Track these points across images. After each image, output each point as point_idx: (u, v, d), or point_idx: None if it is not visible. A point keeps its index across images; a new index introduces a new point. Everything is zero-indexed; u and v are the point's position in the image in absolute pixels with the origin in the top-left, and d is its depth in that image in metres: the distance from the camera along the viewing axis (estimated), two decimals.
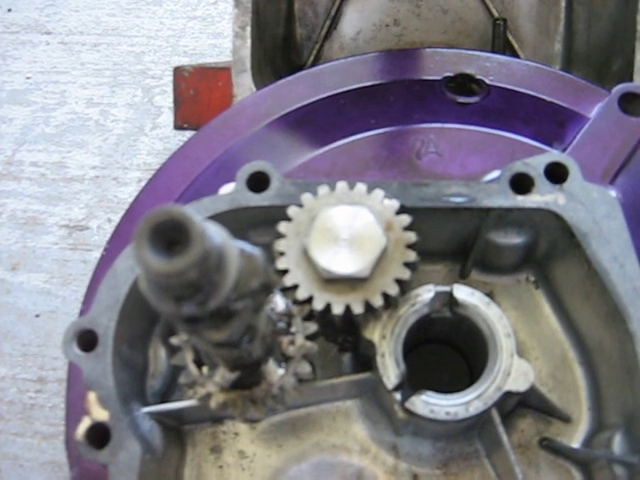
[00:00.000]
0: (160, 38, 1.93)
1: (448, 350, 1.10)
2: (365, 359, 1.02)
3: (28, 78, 1.92)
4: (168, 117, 1.77)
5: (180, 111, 1.38)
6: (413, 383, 0.94)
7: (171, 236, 0.63)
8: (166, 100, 1.82)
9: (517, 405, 1.04)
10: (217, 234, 0.67)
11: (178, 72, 1.39)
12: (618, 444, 0.95)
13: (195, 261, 0.61)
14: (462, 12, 1.50)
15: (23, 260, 1.72)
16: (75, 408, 1.04)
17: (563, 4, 1.43)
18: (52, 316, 1.67)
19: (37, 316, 1.69)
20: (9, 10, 1.99)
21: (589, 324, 1.03)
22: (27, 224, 1.75)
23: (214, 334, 0.73)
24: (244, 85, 1.18)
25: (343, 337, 1.08)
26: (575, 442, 1.03)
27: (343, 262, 0.90)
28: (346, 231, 0.91)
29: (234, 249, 0.68)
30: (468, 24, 1.51)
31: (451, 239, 1.05)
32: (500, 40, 1.45)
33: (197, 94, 1.37)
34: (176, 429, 1.05)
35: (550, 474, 1.03)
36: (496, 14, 1.48)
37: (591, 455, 0.99)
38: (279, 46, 1.43)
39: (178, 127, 1.40)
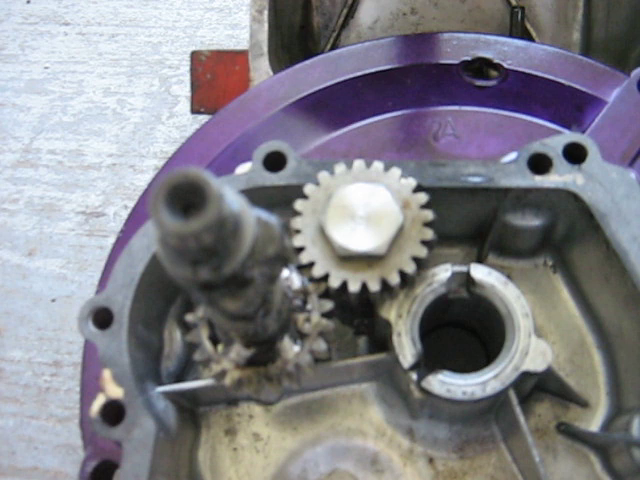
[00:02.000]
0: (177, 29, 1.93)
1: (465, 334, 1.09)
2: (381, 342, 1.01)
3: (46, 68, 1.93)
4: (185, 106, 1.78)
5: (197, 95, 1.39)
6: (430, 365, 0.93)
7: (188, 199, 0.63)
8: (183, 89, 1.83)
9: (534, 389, 1.03)
10: (235, 200, 0.66)
11: (195, 56, 1.39)
12: (637, 427, 0.94)
13: (211, 223, 0.61)
14: (480, 1, 1.50)
15: (39, 246, 1.73)
16: (90, 388, 1.04)
17: None
18: (68, 301, 1.68)
19: (53, 301, 1.69)
20: (28, 2, 2.00)
21: (608, 307, 1.01)
22: (44, 210, 1.76)
23: (229, 303, 0.73)
24: (261, 69, 1.18)
25: (359, 320, 1.07)
26: (593, 427, 1.02)
27: (360, 239, 0.89)
28: (363, 208, 0.91)
29: (251, 216, 0.67)
30: (486, 13, 1.50)
31: (468, 222, 1.05)
32: (518, 28, 1.45)
33: (214, 78, 1.37)
34: (191, 411, 1.04)
35: (568, 459, 1.02)
36: (514, 2, 1.48)
37: (609, 439, 0.98)
38: (296, 34, 1.43)
39: (195, 111, 1.41)
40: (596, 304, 1.04)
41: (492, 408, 0.99)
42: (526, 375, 0.92)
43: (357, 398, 1.05)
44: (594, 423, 1.02)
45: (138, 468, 0.90)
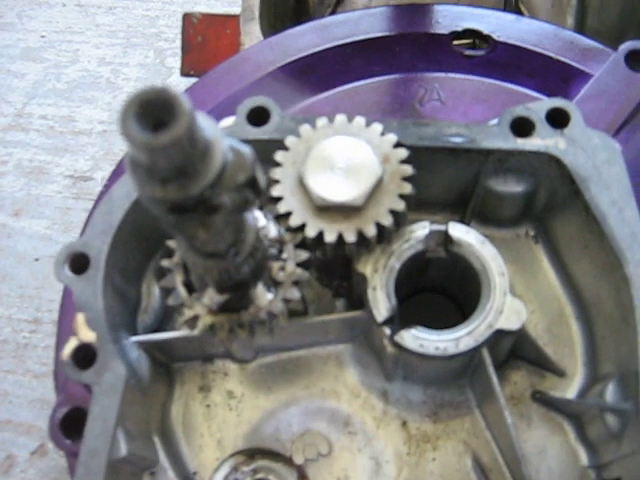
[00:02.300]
0: (175, 4, 1.95)
1: (444, 300, 1.09)
2: (358, 303, 1.01)
3: (43, 37, 1.94)
4: (179, 78, 1.78)
5: (187, 58, 1.39)
6: (404, 321, 0.93)
7: (159, 116, 0.63)
8: (177, 62, 1.81)
9: (511, 357, 1.03)
10: (207, 125, 0.67)
11: (187, 18, 1.40)
12: (610, 393, 0.93)
13: (180, 137, 0.61)
14: None
15: (26, 207, 1.73)
16: (65, 338, 1.04)
17: None
18: (51, 260, 1.65)
19: (36, 260, 1.70)
20: None
21: (587, 276, 1.01)
22: (32, 173, 1.76)
23: (200, 232, 0.73)
24: (252, 33, 1.18)
25: (338, 282, 1.07)
26: (569, 396, 1.01)
27: (337, 190, 0.89)
28: (342, 160, 0.91)
29: (222, 142, 0.68)
30: None
31: (451, 187, 1.05)
32: (511, 9, 1.45)
33: (205, 41, 1.38)
34: (166, 366, 1.04)
35: (542, 427, 1.01)
36: None
37: (583, 405, 0.97)
38: (291, 8, 1.44)
39: (184, 74, 1.41)
40: (576, 273, 1.04)
41: (466, 371, 0.99)
42: (500, 334, 0.92)
43: (333, 359, 1.05)
44: (570, 392, 1.01)
45: (107, 411, 0.89)
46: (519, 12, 1.48)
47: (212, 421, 1.04)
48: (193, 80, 1.14)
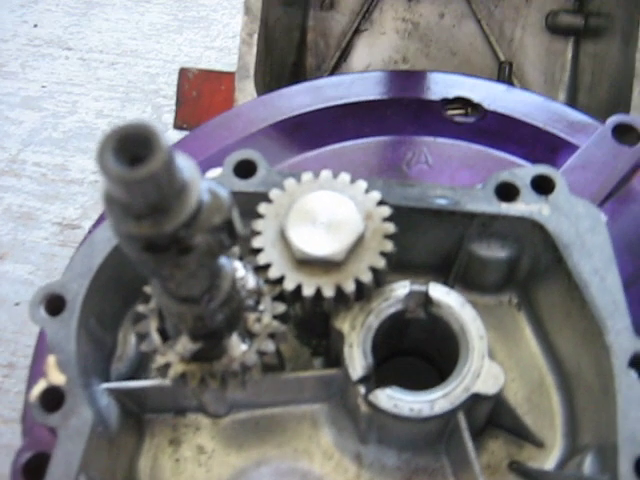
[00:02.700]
0: (176, 63, 1.98)
1: (423, 363, 1.07)
2: (336, 362, 1.00)
3: (43, 87, 1.97)
4: (175, 134, 1.81)
5: (181, 111, 1.41)
6: (380, 381, 0.92)
7: (136, 151, 0.63)
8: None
9: (489, 424, 1.01)
10: (185, 165, 0.67)
11: (183, 73, 1.42)
12: (588, 465, 0.91)
13: (156, 172, 0.61)
14: (470, 55, 1.54)
15: (11, 251, 1.73)
16: (36, 379, 1.02)
17: (570, 55, 1.46)
18: None
19: (17, 304, 1.68)
20: (35, 26, 2.07)
21: (568, 344, 1.00)
22: (21, 218, 1.77)
23: (174, 273, 0.72)
24: (246, 91, 1.20)
25: (317, 341, 1.06)
26: (547, 468, 0.98)
27: (318, 244, 0.89)
28: (325, 215, 0.91)
29: (199, 182, 0.68)
30: (475, 67, 1.54)
31: (435, 250, 1.04)
32: (506, 83, 1.48)
33: (199, 96, 1.39)
34: (137, 416, 1.02)
35: None
36: (502, 58, 1.52)
37: (560, 477, 0.95)
38: (288, 71, 1.47)
39: (177, 127, 1.43)
40: (557, 343, 1.02)
41: (442, 436, 0.97)
42: (477, 399, 0.90)
43: (307, 419, 1.03)
44: (548, 464, 0.99)
45: (70, 456, 0.87)
46: (513, 86, 1.51)
47: (180, 476, 1.01)
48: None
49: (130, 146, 0.63)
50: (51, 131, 1.91)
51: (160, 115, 1.90)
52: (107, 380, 1.00)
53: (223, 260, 0.80)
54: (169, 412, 1.03)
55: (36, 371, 1.05)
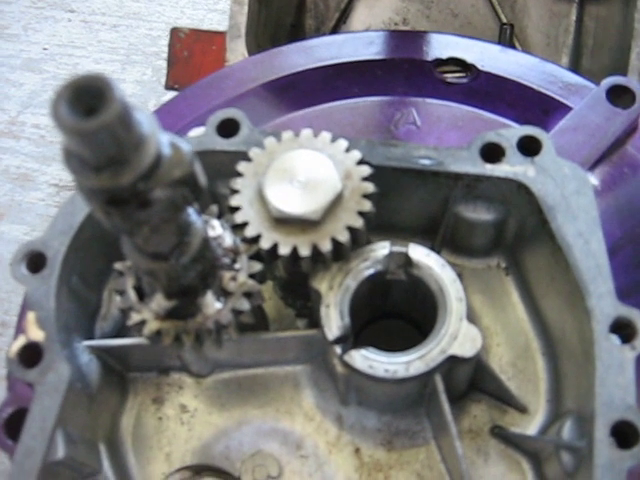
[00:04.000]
0: (178, 25, 1.97)
1: (408, 326, 1.06)
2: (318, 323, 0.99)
3: (45, 49, 1.98)
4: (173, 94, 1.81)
5: (172, 71, 1.40)
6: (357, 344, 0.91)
7: (91, 103, 0.63)
8: None
9: (472, 388, 1.00)
10: (143, 118, 0.67)
11: (175, 32, 1.41)
12: (567, 431, 0.90)
13: (109, 122, 0.61)
14: (471, 17, 1.51)
15: (8, 212, 1.74)
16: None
17: (574, 17, 1.43)
18: None
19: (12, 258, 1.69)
20: None
21: (553, 309, 0.98)
22: (18, 179, 1.78)
23: (140, 228, 0.72)
24: (237, 51, 1.19)
25: (301, 302, 1.05)
26: (529, 433, 0.98)
27: (295, 202, 0.88)
28: (303, 173, 0.90)
29: (158, 135, 0.67)
30: (476, 29, 1.50)
31: (420, 212, 1.03)
32: (506, 45, 1.44)
33: (191, 56, 1.38)
34: (120, 374, 1.03)
35: (499, 464, 0.98)
36: (504, 20, 1.48)
37: (540, 441, 0.94)
38: (286, 32, 1.45)
39: (169, 87, 1.42)
40: (544, 307, 1.01)
41: (421, 399, 0.96)
42: (454, 361, 0.89)
43: (290, 380, 1.03)
44: (531, 429, 0.98)
45: (46, 412, 0.88)
46: (514, 49, 1.48)
47: (162, 434, 1.02)
48: None
49: (84, 98, 0.62)
50: (51, 93, 1.88)
51: (160, 78, 1.89)
52: (91, 338, 1.00)
53: (193, 217, 0.79)
54: (153, 371, 1.04)
55: (21, 326, 1.06)
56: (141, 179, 0.66)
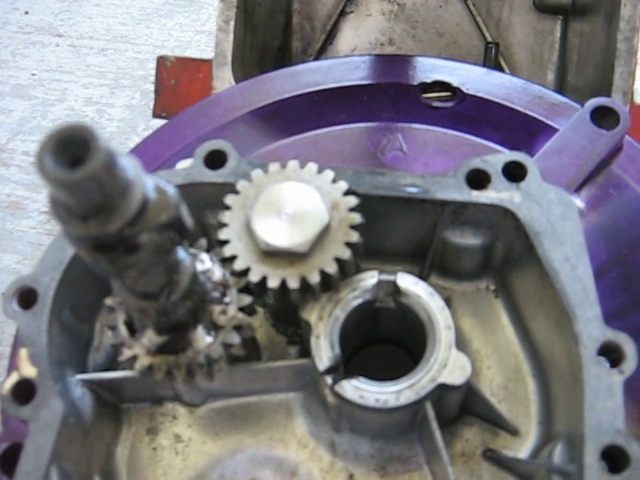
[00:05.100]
0: (166, 48, 1.98)
1: (397, 351, 1.07)
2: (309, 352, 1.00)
3: (33, 75, 1.99)
4: (162, 120, 1.81)
5: (160, 100, 1.41)
6: (347, 371, 0.92)
7: (75, 153, 0.63)
8: None
9: (463, 411, 1.01)
10: (128, 164, 0.67)
11: (161, 61, 1.42)
12: (559, 454, 0.91)
13: (94, 173, 0.62)
14: (457, 36, 1.51)
15: None
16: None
17: (558, 34, 1.44)
18: None
19: (3, 294, 1.70)
20: (26, 13, 2.08)
21: (542, 332, 0.99)
22: (9, 207, 1.79)
23: (127, 271, 0.72)
24: (224, 78, 1.19)
25: (293, 329, 1.06)
26: (521, 455, 0.98)
27: (283, 235, 0.89)
28: (290, 206, 0.90)
29: (143, 180, 0.68)
30: (462, 48, 1.51)
31: (409, 238, 1.04)
32: (492, 64, 1.45)
33: (178, 84, 1.39)
34: (114, 406, 1.03)
35: None
36: (489, 38, 1.49)
37: (532, 465, 0.95)
38: (273, 55, 1.46)
39: (156, 115, 1.43)
40: (533, 329, 1.02)
41: (413, 425, 0.97)
42: (445, 389, 0.90)
43: (283, 408, 1.03)
44: (523, 452, 0.99)
45: (41, 449, 0.88)
46: (499, 67, 1.49)
47: (157, 465, 1.02)
48: None
49: (69, 149, 0.63)
50: (40, 119, 1.92)
51: (148, 102, 1.90)
52: (84, 370, 1.01)
53: (182, 255, 0.80)
54: (146, 401, 1.04)
55: (14, 363, 1.06)
56: (128, 225, 0.67)
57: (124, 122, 1.89)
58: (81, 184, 0.62)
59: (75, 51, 2.01)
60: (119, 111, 1.92)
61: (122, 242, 0.68)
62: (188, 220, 0.72)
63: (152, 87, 1.69)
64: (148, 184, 0.69)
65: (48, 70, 2.00)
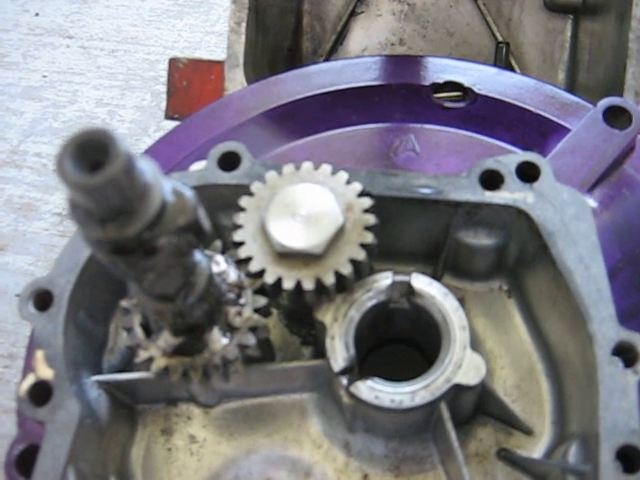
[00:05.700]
0: (176, 49, 1.99)
1: (412, 352, 1.07)
2: (324, 352, 1.00)
3: (44, 76, 1.99)
4: (172, 122, 1.82)
5: (172, 101, 1.41)
6: (362, 372, 0.92)
7: (95, 157, 0.64)
8: None
9: (478, 413, 1.01)
10: (147, 168, 0.68)
11: (173, 63, 1.42)
12: (573, 454, 0.91)
13: (114, 177, 0.62)
14: (467, 35, 1.52)
15: (12, 242, 1.76)
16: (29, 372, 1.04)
17: (569, 33, 1.44)
18: None
19: (17, 295, 1.71)
20: (36, 14, 2.09)
21: (556, 332, 0.99)
22: (21, 209, 1.80)
23: (145, 274, 0.73)
24: (236, 80, 1.20)
25: (307, 330, 1.06)
26: (535, 455, 0.98)
27: (297, 237, 0.89)
28: (305, 208, 0.91)
29: (162, 184, 0.68)
30: (473, 48, 1.52)
31: (423, 238, 1.04)
32: (502, 64, 1.46)
33: (190, 86, 1.40)
34: (129, 407, 1.04)
35: None
36: (500, 38, 1.49)
37: (546, 465, 0.95)
38: (284, 56, 1.46)
39: (169, 117, 1.43)
40: (546, 329, 1.02)
41: (428, 425, 0.97)
42: (459, 389, 0.90)
43: (297, 408, 1.04)
44: (537, 451, 0.99)
45: (58, 450, 0.89)
46: (510, 67, 1.49)
47: (172, 465, 1.03)
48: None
49: (89, 153, 0.63)
50: (52, 121, 1.93)
51: (159, 103, 1.91)
52: (99, 372, 1.01)
53: (198, 257, 0.80)
54: (161, 402, 1.05)
55: (29, 364, 1.07)
56: (146, 228, 0.67)
57: (135, 123, 1.90)
58: (101, 188, 0.63)
59: (86, 52, 2.02)
60: (130, 112, 1.92)
61: (140, 245, 0.69)
62: (206, 223, 0.73)
63: (163, 88, 1.69)
64: (166, 187, 0.69)
65: (59, 72, 2.01)
